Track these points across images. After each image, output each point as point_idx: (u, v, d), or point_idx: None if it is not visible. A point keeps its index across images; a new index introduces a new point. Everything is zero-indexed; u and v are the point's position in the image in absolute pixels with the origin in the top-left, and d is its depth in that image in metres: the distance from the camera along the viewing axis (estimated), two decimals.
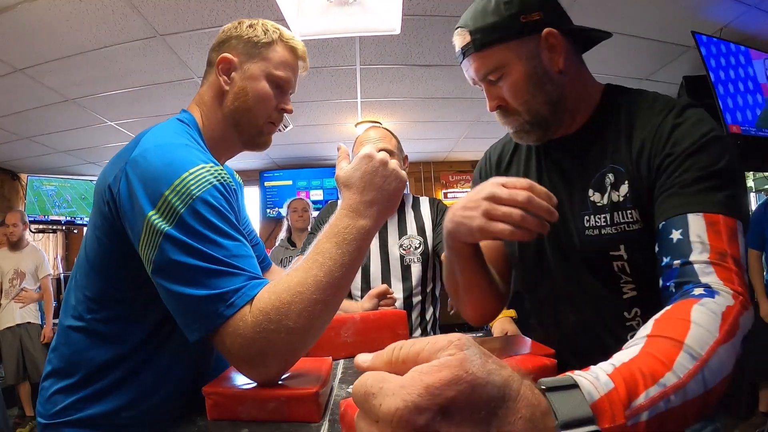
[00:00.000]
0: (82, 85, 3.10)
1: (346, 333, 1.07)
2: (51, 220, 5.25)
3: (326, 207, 1.83)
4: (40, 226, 5.25)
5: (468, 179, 5.97)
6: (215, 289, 0.64)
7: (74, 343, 0.78)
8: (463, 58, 0.82)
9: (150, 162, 0.70)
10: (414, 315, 1.58)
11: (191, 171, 0.69)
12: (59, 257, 5.64)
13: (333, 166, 6.05)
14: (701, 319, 0.50)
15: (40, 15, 2.27)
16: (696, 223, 0.63)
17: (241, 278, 0.66)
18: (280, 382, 0.69)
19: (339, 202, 0.76)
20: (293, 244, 3.15)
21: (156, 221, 0.66)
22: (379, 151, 1.28)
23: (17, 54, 2.64)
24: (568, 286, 0.84)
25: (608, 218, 0.77)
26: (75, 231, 5.82)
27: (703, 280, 0.59)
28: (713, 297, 0.55)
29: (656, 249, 0.68)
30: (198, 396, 0.69)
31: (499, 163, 0.99)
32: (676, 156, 0.70)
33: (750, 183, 3.34)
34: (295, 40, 0.93)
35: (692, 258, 0.61)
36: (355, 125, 4.26)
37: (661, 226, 0.68)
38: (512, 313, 1.82)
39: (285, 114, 0.95)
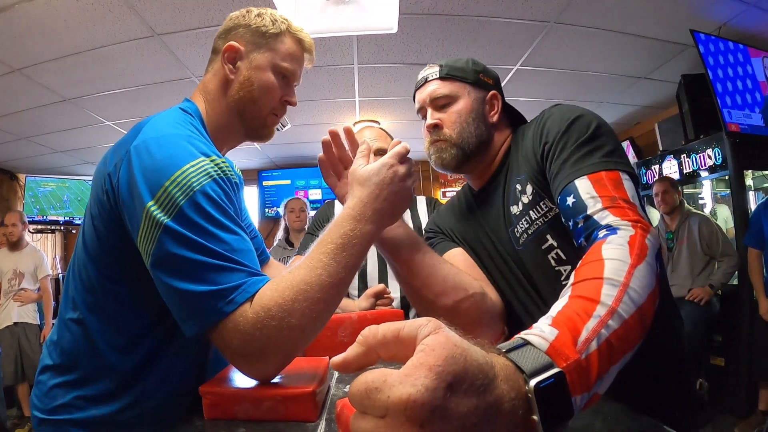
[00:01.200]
0: (79, 84, 3.09)
1: (343, 333, 1.07)
2: (49, 220, 5.25)
3: (323, 207, 1.83)
4: (39, 227, 5.25)
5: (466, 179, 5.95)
6: (215, 285, 0.63)
7: (75, 337, 0.76)
8: (423, 84, 0.99)
9: (151, 152, 0.69)
10: (411, 314, 1.58)
11: (192, 163, 0.68)
12: (57, 257, 5.63)
13: None
14: (612, 254, 0.57)
15: (37, 15, 2.27)
16: (583, 185, 0.73)
17: (242, 274, 0.65)
18: (276, 382, 0.69)
19: (348, 197, 0.76)
20: (291, 244, 3.14)
21: (155, 213, 0.64)
22: (376, 150, 1.28)
23: (14, 54, 2.63)
24: (526, 302, 0.91)
25: (528, 219, 0.88)
26: (73, 231, 5.81)
27: (603, 222, 0.67)
28: (616, 233, 0.63)
29: (563, 220, 0.77)
30: (196, 395, 0.69)
31: (448, 216, 1.10)
32: (552, 143, 0.82)
33: (749, 182, 3.34)
34: (303, 32, 0.93)
35: (589, 211, 0.70)
36: (353, 124, 4.26)
37: (558, 200, 0.77)
38: None
39: (284, 114, 0.95)
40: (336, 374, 0.91)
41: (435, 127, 0.95)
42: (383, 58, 3.05)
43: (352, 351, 0.37)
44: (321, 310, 0.66)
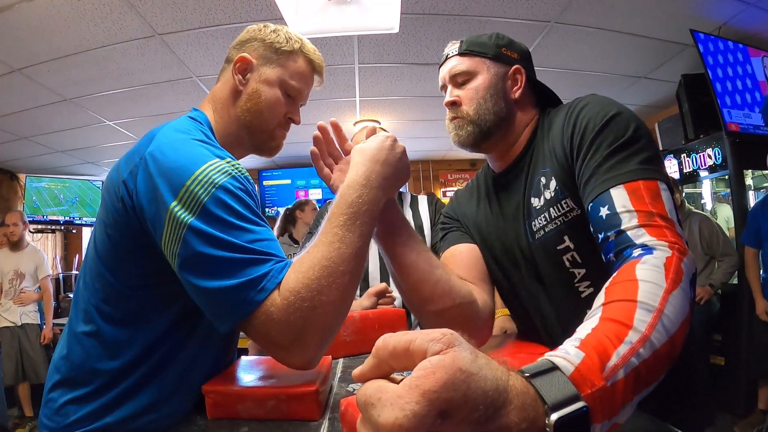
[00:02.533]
0: (80, 84, 3.09)
1: (345, 332, 1.07)
2: (49, 220, 5.24)
3: (325, 206, 1.83)
4: (39, 226, 5.24)
5: (467, 178, 5.97)
6: (245, 277, 0.64)
7: (87, 350, 0.74)
8: (444, 61, 0.97)
9: (169, 156, 0.69)
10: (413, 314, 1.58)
11: (210, 163, 0.69)
12: (58, 257, 5.63)
13: None
14: (646, 276, 0.53)
15: (37, 15, 2.26)
16: (618, 195, 0.68)
17: (268, 263, 0.66)
18: (279, 380, 0.69)
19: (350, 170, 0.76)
20: (295, 241, 3.15)
21: (179, 213, 0.65)
22: None
23: (15, 54, 2.63)
24: (539, 296, 0.89)
25: (547, 215, 0.84)
26: (73, 231, 5.81)
27: (638, 241, 0.63)
28: (652, 253, 0.59)
29: (592, 230, 0.73)
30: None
31: (464, 201, 1.08)
32: (585, 141, 0.76)
33: (749, 181, 3.34)
34: (315, 53, 0.94)
35: (623, 226, 0.65)
36: (354, 124, 4.26)
37: (589, 208, 0.72)
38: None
39: (287, 130, 0.96)
40: (339, 373, 0.92)
41: (453, 105, 0.94)
42: (384, 57, 3.05)
43: (367, 363, 0.36)
44: (347, 283, 0.67)
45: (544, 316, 0.88)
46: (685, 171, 3.52)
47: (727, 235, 3.15)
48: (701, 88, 3.02)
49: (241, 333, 0.71)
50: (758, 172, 3.50)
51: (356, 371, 0.37)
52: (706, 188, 3.91)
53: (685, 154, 3.49)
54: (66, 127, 3.88)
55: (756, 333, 2.82)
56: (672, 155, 3.65)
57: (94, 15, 2.31)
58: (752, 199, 3.35)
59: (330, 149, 0.88)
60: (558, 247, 0.83)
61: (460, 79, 0.94)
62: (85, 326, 0.75)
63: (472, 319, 0.87)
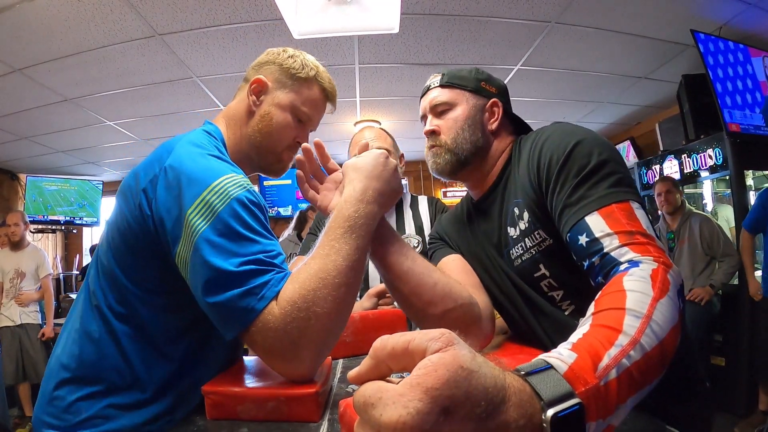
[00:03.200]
0: (80, 84, 3.09)
1: (345, 332, 1.07)
2: (50, 219, 5.25)
3: None
4: (40, 226, 5.25)
5: None
6: (246, 286, 0.65)
7: (101, 349, 0.75)
8: (427, 91, 1.01)
9: (188, 167, 0.72)
10: None
11: (228, 176, 0.72)
12: (58, 257, 5.64)
13: None
14: (634, 286, 0.55)
15: (38, 15, 2.27)
16: (594, 221, 0.69)
17: (269, 273, 0.68)
18: (279, 382, 0.69)
19: (345, 186, 0.78)
20: (302, 240, 3.17)
21: (194, 220, 0.67)
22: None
23: (16, 54, 2.64)
24: (526, 311, 0.91)
25: (523, 245, 0.87)
26: (74, 231, 5.82)
27: (623, 260, 0.64)
28: (638, 266, 0.60)
29: (575, 259, 0.74)
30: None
31: (449, 224, 1.11)
32: (551, 175, 0.78)
33: (749, 181, 3.33)
34: (329, 82, 0.97)
35: (606, 249, 0.67)
36: (354, 124, 4.26)
37: (568, 238, 0.74)
38: None
39: (295, 153, 0.98)
40: (338, 374, 0.92)
41: (432, 133, 0.97)
42: (384, 58, 3.05)
43: (364, 365, 0.36)
44: (343, 294, 0.68)
45: (533, 329, 0.90)
46: (685, 171, 3.52)
47: (728, 235, 3.15)
48: (702, 88, 3.02)
49: None
50: (759, 173, 3.50)
51: (352, 373, 0.37)
52: (706, 189, 3.91)
53: (685, 155, 3.49)
54: (66, 127, 3.89)
55: (758, 334, 2.82)
56: (672, 156, 3.65)
57: (94, 15, 2.32)
58: (752, 199, 3.35)
59: (313, 170, 0.88)
60: (535, 275, 0.86)
61: (439, 109, 0.97)
62: (99, 325, 0.76)
63: (476, 320, 0.88)
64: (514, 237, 0.89)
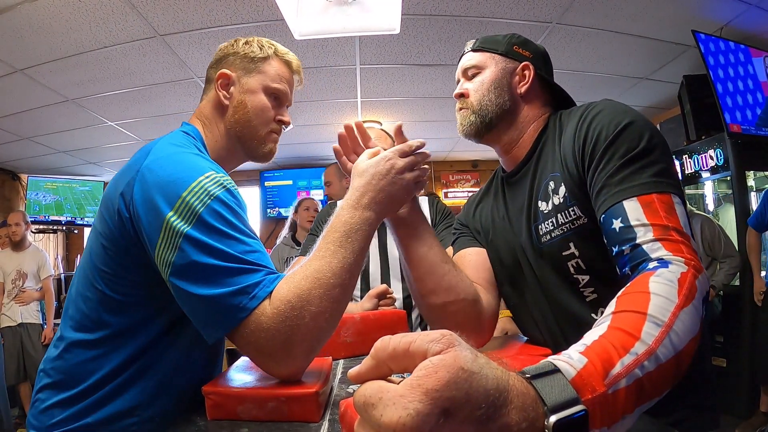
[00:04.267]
0: (81, 85, 3.10)
1: (346, 333, 1.07)
2: (51, 220, 5.25)
3: (325, 208, 1.83)
4: (41, 227, 5.26)
5: (468, 179, 5.97)
6: (237, 285, 0.65)
7: (76, 355, 0.76)
8: (461, 57, 1.01)
9: (165, 168, 0.72)
10: (414, 315, 1.58)
11: (206, 175, 0.72)
12: (59, 257, 5.64)
13: None
14: (659, 289, 0.53)
15: (39, 15, 2.27)
16: (632, 208, 0.67)
17: (260, 273, 0.68)
18: (279, 382, 0.69)
19: (347, 192, 0.80)
20: (298, 243, 3.12)
21: (175, 222, 0.67)
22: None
23: (17, 54, 2.64)
24: (542, 297, 0.89)
25: (554, 221, 0.84)
26: (75, 231, 5.82)
27: (654, 255, 0.62)
28: (667, 267, 0.58)
29: (605, 242, 0.72)
30: (198, 397, 0.69)
31: (473, 206, 1.10)
32: (597, 151, 0.75)
33: (750, 182, 3.33)
34: (289, 54, 0.98)
35: (638, 240, 0.64)
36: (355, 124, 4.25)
37: (602, 219, 0.72)
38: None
39: (280, 134, 0.99)
40: (339, 374, 0.92)
41: (461, 96, 0.98)
42: (385, 58, 3.05)
43: (365, 364, 0.36)
44: (338, 295, 0.69)
45: (546, 318, 0.89)
46: (686, 172, 3.51)
47: (729, 236, 3.14)
48: (703, 89, 3.02)
49: None
50: (760, 173, 3.49)
51: (353, 371, 0.37)
52: (708, 189, 3.90)
53: (686, 155, 3.48)
54: (68, 127, 3.90)
55: (759, 335, 2.82)
56: (674, 156, 3.64)
57: (95, 16, 2.32)
58: (754, 200, 3.35)
59: (354, 146, 0.91)
60: (563, 253, 0.83)
61: (470, 73, 0.97)
62: (76, 333, 0.77)
63: (474, 317, 0.88)
64: (545, 212, 0.86)
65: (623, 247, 0.67)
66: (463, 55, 1.01)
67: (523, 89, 0.94)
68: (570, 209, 0.81)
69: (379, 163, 0.80)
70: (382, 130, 1.70)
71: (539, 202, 0.88)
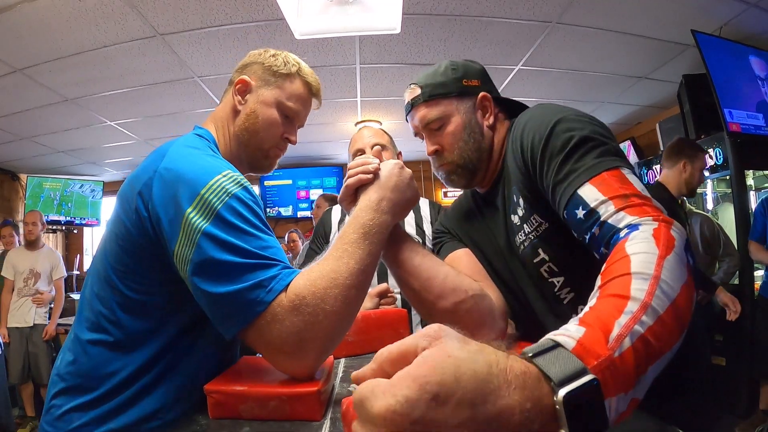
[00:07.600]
0: (81, 85, 3.10)
1: (347, 332, 1.07)
2: (51, 220, 5.25)
3: (322, 218, 1.87)
4: None
5: None
6: (254, 280, 0.66)
7: (93, 358, 0.75)
8: (411, 109, 0.98)
9: (183, 167, 0.73)
10: (414, 313, 1.58)
11: (223, 173, 0.73)
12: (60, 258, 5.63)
13: (333, 166, 6.00)
14: (637, 248, 0.52)
15: (39, 15, 2.27)
16: (587, 192, 0.67)
17: (277, 267, 0.69)
18: (281, 381, 0.69)
19: (360, 195, 0.82)
20: None
21: (194, 219, 0.68)
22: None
23: (16, 54, 2.64)
24: (529, 302, 0.91)
25: (524, 231, 0.87)
26: (75, 231, 5.82)
27: (622, 225, 0.62)
28: (638, 228, 0.58)
29: (575, 235, 0.72)
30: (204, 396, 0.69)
31: (452, 219, 1.09)
32: (536, 157, 0.77)
33: (750, 181, 3.33)
34: (312, 76, 0.99)
35: (603, 217, 0.65)
36: (355, 124, 4.26)
37: (565, 215, 0.72)
38: None
39: (284, 150, 1.00)
40: (340, 373, 0.92)
41: (436, 153, 0.96)
42: (386, 58, 3.05)
43: (367, 368, 0.38)
44: (352, 296, 0.70)
45: (538, 321, 0.90)
46: None
47: (728, 235, 3.15)
48: (702, 88, 3.01)
49: None
50: (759, 173, 3.49)
51: (356, 373, 0.38)
52: (707, 188, 3.90)
53: None
54: (67, 127, 3.89)
55: (759, 333, 2.82)
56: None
57: (95, 15, 2.32)
58: (753, 200, 3.35)
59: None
60: (534, 261, 0.86)
61: (434, 127, 0.94)
62: (92, 334, 0.76)
63: (488, 311, 0.88)
64: (517, 224, 0.89)
65: (592, 230, 0.66)
66: (411, 107, 0.97)
67: (490, 120, 0.95)
68: (531, 218, 0.84)
69: (391, 167, 0.83)
70: (380, 129, 1.71)
71: (511, 215, 0.90)
